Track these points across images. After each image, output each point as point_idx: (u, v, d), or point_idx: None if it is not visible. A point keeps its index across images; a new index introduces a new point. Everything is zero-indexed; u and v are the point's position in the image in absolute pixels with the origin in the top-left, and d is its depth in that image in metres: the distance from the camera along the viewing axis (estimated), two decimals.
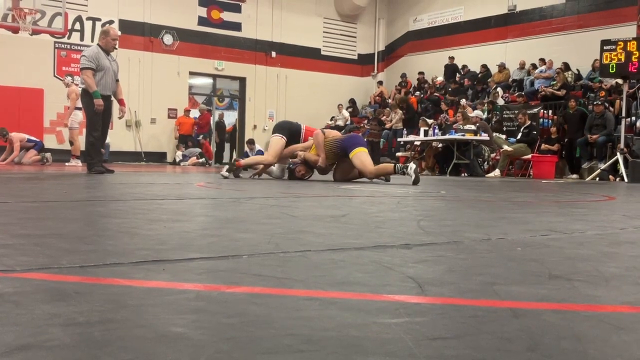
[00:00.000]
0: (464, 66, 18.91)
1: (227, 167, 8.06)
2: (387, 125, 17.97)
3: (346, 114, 20.20)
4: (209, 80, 20.57)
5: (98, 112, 8.10)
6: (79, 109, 13.74)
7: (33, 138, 14.66)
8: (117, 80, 8.53)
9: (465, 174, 13.50)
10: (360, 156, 7.65)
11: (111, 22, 17.77)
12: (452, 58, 19.22)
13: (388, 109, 18.56)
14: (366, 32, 22.65)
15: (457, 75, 18.96)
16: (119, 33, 8.58)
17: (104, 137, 8.75)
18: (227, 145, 20.87)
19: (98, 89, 8.08)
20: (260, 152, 18.68)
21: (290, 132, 8.20)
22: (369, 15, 22.52)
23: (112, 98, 8.57)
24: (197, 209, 3.63)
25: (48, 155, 14.59)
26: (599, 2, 16.23)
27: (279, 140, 8.01)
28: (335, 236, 2.33)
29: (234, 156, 20.58)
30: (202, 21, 19.40)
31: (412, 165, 7.47)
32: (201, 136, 18.99)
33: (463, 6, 19.78)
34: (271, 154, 8.05)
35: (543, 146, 13.60)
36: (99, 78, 8.17)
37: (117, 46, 8.55)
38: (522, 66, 17.25)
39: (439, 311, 1.24)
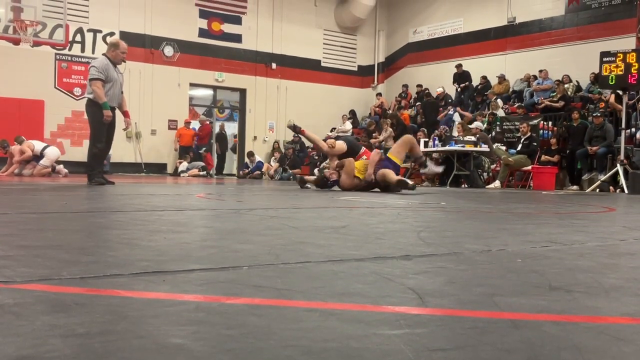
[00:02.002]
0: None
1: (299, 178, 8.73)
2: (375, 141, 17.46)
3: (349, 125, 20.20)
4: (210, 92, 20.62)
5: (104, 123, 8.08)
6: (39, 156, 13.66)
7: (40, 145, 14.23)
8: (122, 93, 8.51)
9: (466, 185, 13.50)
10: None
11: (112, 33, 17.82)
12: (459, 66, 18.98)
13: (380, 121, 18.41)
14: (366, 44, 22.72)
15: (467, 82, 18.81)
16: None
17: (108, 149, 8.73)
18: (234, 156, 20.84)
19: (106, 99, 8.06)
20: (260, 163, 18.74)
21: (353, 146, 8.78)
22: (368, 27, 22.60)
23: (117, 110, 8.55)
24: (197, 220, 3.63)
25: (60, 167, 14.42)
26: (599, 14, 16.29)
27: (341, 144, 8.68)
28: (335, 247, 2.33)
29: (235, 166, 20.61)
30: (202, 33, 19.46)
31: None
32: (203, 149, 19.04)
33: (462, 18, 19.85)
34: (330, 145, 8.71)
35: (543, 157, 13.61)
36: (107, 89, 8.12)
37: (125, 59, 8.53)
38: (526, 79, 17.26)
39: (439, 322, 1.24)
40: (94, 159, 8.36)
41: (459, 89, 18.66)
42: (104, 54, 8.45)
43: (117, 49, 8.30)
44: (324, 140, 9.24)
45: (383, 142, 16.98)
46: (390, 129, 16.78)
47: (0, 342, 1.00)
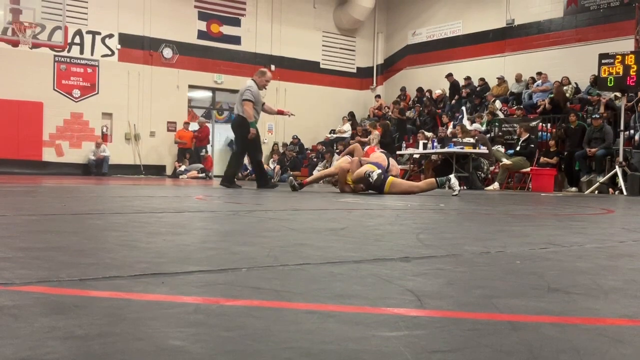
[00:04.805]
0: (468, 77, 18.77)
1: (294, 184, 8.74)
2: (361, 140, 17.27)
3: (348, 127, 20.17)
4: (209, 94, 20.62)
5: (257, 135, 9.34)
6: None
7: None
8: (264, 103, 9.72)
9: (464, 187, 13.50)
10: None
11: (111, 35, 17.84)
12: (450, 75, 19.06)
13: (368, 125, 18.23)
14: (365, 46, 22.73)
15: (461, 91, 18.83)
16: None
17: (243, 158, 10.07)
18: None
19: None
20: None
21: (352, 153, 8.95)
22: (367, 29, 22.62)
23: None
24: (196, 222, 3.63)
25: None
26: (597, 16, 16.31)
27: (346, 158, 8.85)
28: (334, 249, 2.33)
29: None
30: (201, 35, 19.47)
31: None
32: (204, 150, 19.05)
33: (461, 20, 19.86)
34: (335, 166, 9.00)
35: (542, 159, 13.62)
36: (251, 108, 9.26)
37: (267, 87, 9.74)
38: (518, 79, 17.30)
39: (438, 324, 1.24)
40: (260, 167, 9.72)
41: (453, 101, 18.54)
42: (252, 79, 9.56)
43: (263, 76, 9.56)
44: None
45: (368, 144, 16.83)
46: (377, 132, 16.62)
47: None
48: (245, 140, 9.30)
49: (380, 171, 7.84)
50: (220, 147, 22.09)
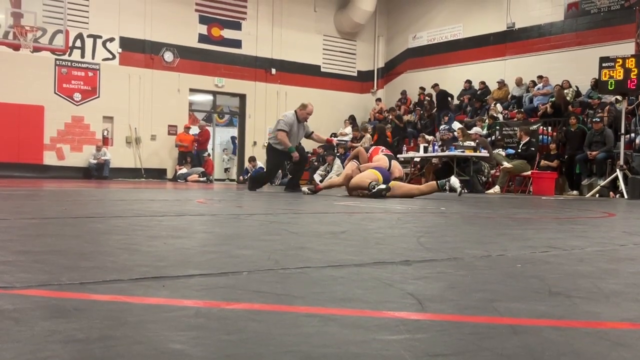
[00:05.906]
0: (468, 80, 18.75)
1: (308, 187, 9.18)
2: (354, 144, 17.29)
3: (349, 130, 20.18)
4: (209, 97, 20.64)
5: (278, 166, 10.17)
6: None
7: None
8: (312, 132, 10.23)
9: (465, 190, 13.48)
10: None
11: (112, 39, 17.86)
12: (436, 85, 19.04)
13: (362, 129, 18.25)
14: (366, 49, 22.75)
15: (449, 98, 18.85)
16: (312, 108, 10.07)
17: (299, 177, 10.69)
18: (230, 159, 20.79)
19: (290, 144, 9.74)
20: (260, 169, 18.73)
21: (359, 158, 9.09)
22: (368, 32, 22.64)
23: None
24: (197, 225, 3.63)
25: None
26: (598, 20, 16.31)
27: (352, 165, 8.83)
28: (335, 252, 2.33)
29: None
30: (202, 38, 19.50)
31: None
32: (206, 153, 19.06)
33: (462, 23, 19.88)
34: (342, 176, 9.03)
35: (542, 162, 13.62)
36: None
37: (308, 119, 10.05)
38: (518, 83, 17.31)
39: (439, 328, 1.23)
40: (259, 181, 10.44)
41: (432, 112, 18.50)
42: (295, 110, 9.94)
43: (304, 109, 9.90)
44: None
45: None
46: (369, 135, 16.59)
47: None
48: (273, 167, 10.36)
49: (384, 186, 7.72)
50: (221, 151, 22.10)
